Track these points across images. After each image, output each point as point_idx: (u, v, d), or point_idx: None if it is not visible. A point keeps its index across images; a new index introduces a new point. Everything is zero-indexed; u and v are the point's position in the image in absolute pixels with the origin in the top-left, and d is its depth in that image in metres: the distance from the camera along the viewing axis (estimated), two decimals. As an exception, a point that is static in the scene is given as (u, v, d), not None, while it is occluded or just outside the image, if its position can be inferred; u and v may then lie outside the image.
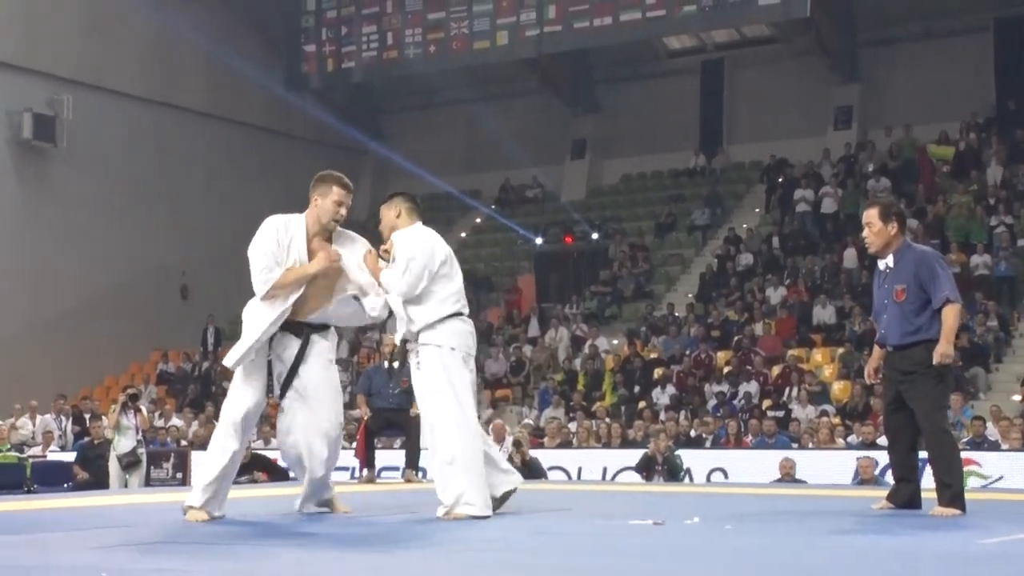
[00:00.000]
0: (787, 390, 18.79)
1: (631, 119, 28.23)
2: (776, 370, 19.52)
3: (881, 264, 6.89)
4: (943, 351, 6.53)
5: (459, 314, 6.49)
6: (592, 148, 29.12)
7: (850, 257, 21.71)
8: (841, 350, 19.55)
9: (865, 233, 6.84)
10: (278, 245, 6.24)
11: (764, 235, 24.21)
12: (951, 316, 6.59)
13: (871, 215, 6.78)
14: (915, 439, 6.82)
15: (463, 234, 29.00)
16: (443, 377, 6.31)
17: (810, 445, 15.82)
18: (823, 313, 20.96)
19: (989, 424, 15.15)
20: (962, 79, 24.38)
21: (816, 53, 25.89)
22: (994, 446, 14.63)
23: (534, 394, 21.19)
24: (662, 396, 19.62)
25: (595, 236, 26.13)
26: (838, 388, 18.85)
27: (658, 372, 20.37)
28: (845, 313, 20.62)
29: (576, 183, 28.83)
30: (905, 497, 6.86)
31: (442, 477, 6.26)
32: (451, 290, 6.48)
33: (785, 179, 25.22)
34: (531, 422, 18.84)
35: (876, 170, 23.89)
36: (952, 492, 6.55)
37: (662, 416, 18.28)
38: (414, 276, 6.36)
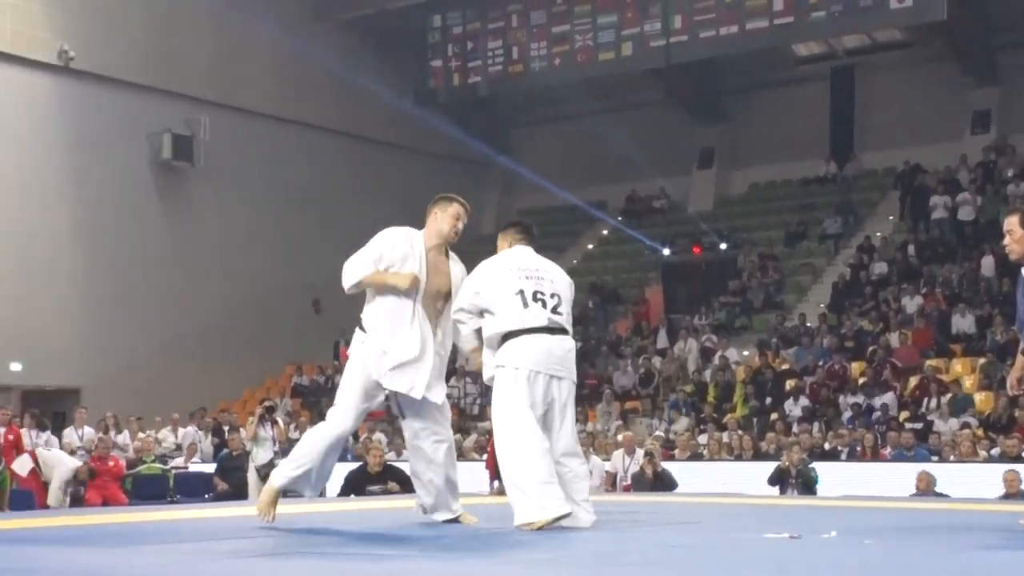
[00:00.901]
0: (925, 401, 18.31)
1: (759, 127, 27.89)
2: (913, 381, 19.04)
3: None
4: None
5: (531, 330, 6.25)
6: (719, 158, 28.84)
7: (988, 265, 21.09)
8: (983, 360, 18.98)
9: (1006, 241, 6.58)
10: (392, 249, 6.28)
11: (899, 243, 23.67)
12: None
13: (1012, 222, 6.52)
14: None
15: (590, 246, 28.97)
16: (504, 398, 6.22)
17: (951, 458, 15.38)
18: (962, 322, 20.38)
19: None
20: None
21: (951, 57, 25.25)
22: None
23: (663, 406, 21.02)
24: (794, 408, 19.28)
25: (723, 246, 25.85)
26: (980, 399, 18.30)
27: (790, 383, 20.03)
28: (986, 322, 20.02)
29: (703, 193, 28.58)
30: None
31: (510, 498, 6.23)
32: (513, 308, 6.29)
33: (920, 185, 24.63)
34: (661, 434, 18.68)
35: (1016, 175, 23.18)
36: None
37: (795, 428, 17.96)
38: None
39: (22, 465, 14.69)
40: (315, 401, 24.32)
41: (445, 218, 6.41)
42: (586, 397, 22.02)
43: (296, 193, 26.47)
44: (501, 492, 11.88)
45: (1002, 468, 13.22)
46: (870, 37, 26.80)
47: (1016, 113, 25.05)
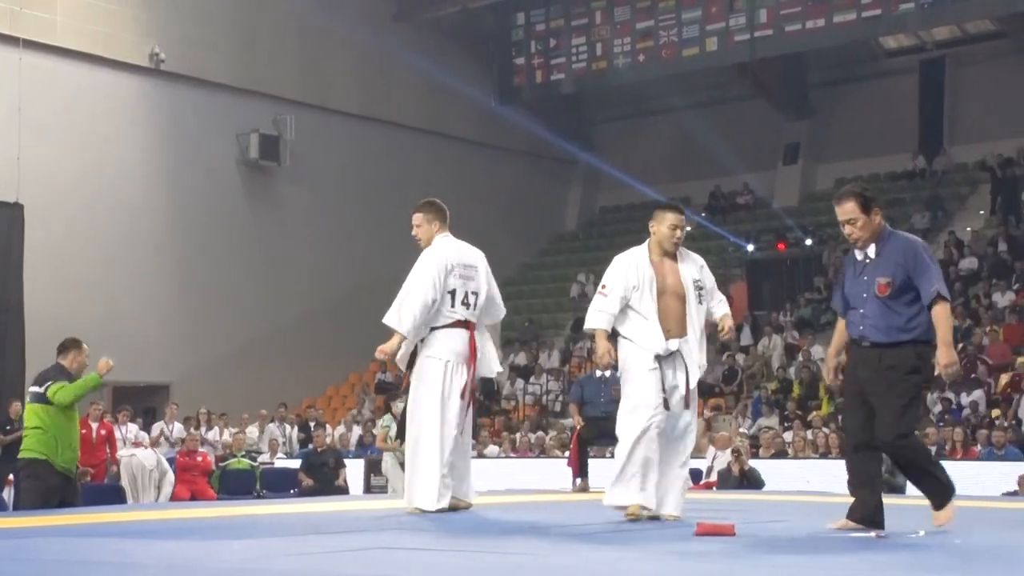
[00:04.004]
0: (1017, 399, 17.92)
1: (846, 122, 27.49)
2: (1004, 378, 18.65)
3: (859, 254, 6.15)
4: (947, 361, 5.83)
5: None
6: (805, 153, 28.47)
7: (1085, 259, 20.60)
8: (1078, 357, 18.53)
9: (847, 230, 6.09)
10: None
11: (989, 238, 23.18)
12: (944, 317, 5.89)
13: (851, 208, 6.04)
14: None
15: (674, 243, 28.80)
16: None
17: (1042, 457, 15.04)
18: (1056, 319, 19.93)
19: None
20: None
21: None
22: None
23: (747, 403, 20.83)
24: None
25: (808, 242, 25.53)
26: (1074, 397, 17.84)
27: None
28: (1081, 318, 19.55)
29: (789, 189, 28.24)
30: (868, 509, 6.11)
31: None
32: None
33: (1011, 178, 24.08)
34: (745, 431, 18.52)
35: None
36: (941, 495, 6.02)
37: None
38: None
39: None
40: (397, 397, 24.49)
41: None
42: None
43: (380, 192, 26.64)
44: (583, 489, 11.90)
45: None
46: (961, 28, 26.26)
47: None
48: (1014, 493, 13.24)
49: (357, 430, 21.04)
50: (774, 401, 20.36)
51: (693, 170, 28.47)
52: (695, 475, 15.15)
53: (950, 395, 18.56)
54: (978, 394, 18.26)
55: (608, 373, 11.70)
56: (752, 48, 25.04)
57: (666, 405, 6.72)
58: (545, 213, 30.15)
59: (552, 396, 22.84)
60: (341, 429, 20.81)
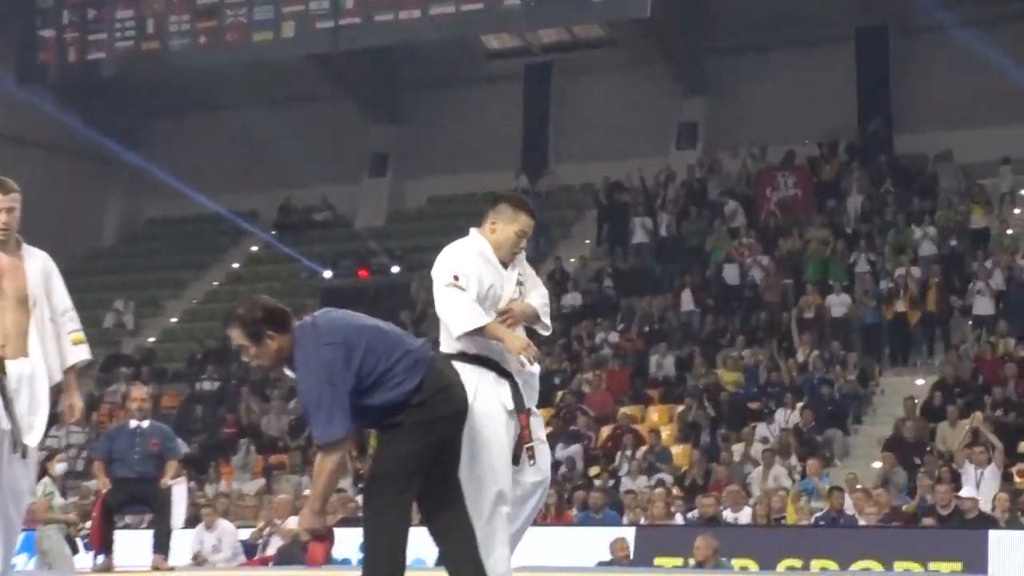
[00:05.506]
0: (617, 455, 18.97)
1: (442, 131, 28.22)
2: (605, 431, 19.71)
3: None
4: (307, 523, 5.93)
5: None
6: (394, 164, 29.05)
7: (689, 299, 22.21)
8: (681, 407, 19.87)
9: (246, 357, 5.81)
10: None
11: (595, 270, 24.51)
12: (322, 472, 5.62)
13: (235, 337, 5.74)
14: None
15: (235, 265, 28.56)
16: None
17: (643, 521, 15.93)
18: (662, 364, 21.32)
19: (846, 495, 15.57)
20: (822, 93, 25.24)
21: (658, 60, 26.43)
22: (851, 521, 15.06)
23: (313, 459, 20.95)
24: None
25: (395, 269, 26.03)
26: (677, 453, 19.13)
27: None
28: (685, 364, 21.01)
29: (374, 206, 28.72)
30: None
31: None
32: None
33: (619, 205, 25.56)
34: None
35: (723, 194, 24.47)
36: None
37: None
38: None
39: None
40: None
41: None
42: (218, 448, 21.65)
43: None
44: (107, 569, 11.43)
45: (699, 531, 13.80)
46: (570, 32, 27.69)
47: (725, 126, 26.45)
48: (609, 562, 13.93)
49: None
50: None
51: (262, 179, 28.39)
52: (247, 549, 15.07)
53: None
54: (576, 449, 19.12)
55: (145, 423, 11.46)
56: (336, 38, 25.30)
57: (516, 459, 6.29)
58: (76, 223, 29.07)
59: (74, 452, 21.96)
60: None
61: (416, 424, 5.59)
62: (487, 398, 6.08)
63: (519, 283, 6.41)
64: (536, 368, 6.34)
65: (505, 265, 6.34)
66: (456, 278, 6.13)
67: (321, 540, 13.26)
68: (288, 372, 5.75)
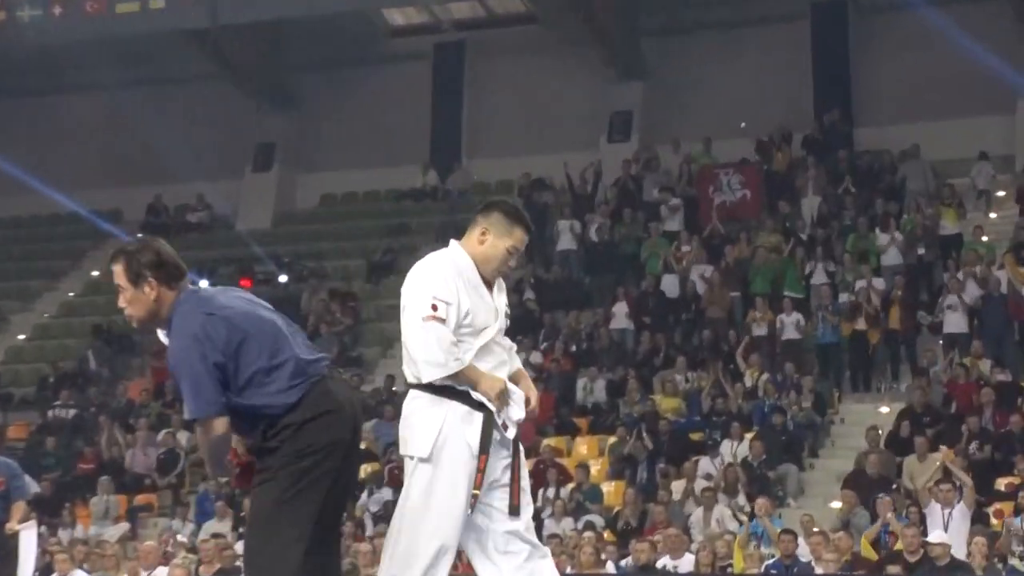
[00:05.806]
0: (539, 493, 18.87)
1: (338, 119, 28.18)
2: (527, 466, 19.58)
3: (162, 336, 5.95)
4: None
5: None
6: (283, 157, 28.93)
7: (622, 314, 22.16)
8: (613, 439, 19.83)
9: (121, 302, 5.81)
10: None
11: (513, 281, 24.42)
12: (204, 443, 5.87)
13: (117, 273, 5.77)
14: None
15: (95, 272, 28.12)
16: None
17: (569, 570, 15.89)
18: (591, 389, 21.26)
19: (800, 539, 15.56)
20: (774, 79, 25.40)
21: (587, 40, 26.42)
22: (806, 569, 15.03)
23: (191, 500, 20.76)
24: (369, 502, 19.49)
25: (283, 278, 25.86)
26: (608, 491, 19.07)
27: (367, 470, 20.09)
28: (618, 389, 20.97)
29: (259, 205, 28.57)
30: None
31: None
32: None
33: (542, 206, 25.50)
34: (184, 540, 18.43)
35: (664, 191, 24.49)
36: None
37: (370, 531, 18.10)
38: None
39: None
40: None
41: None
42: (74, 487, 21.36)
43: None
44: None
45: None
46: (485, 7, 27.71)
47: (663, 116, 26.53)
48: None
49: None
50: (229, 496, 20.27)
51: (128, 173, 28.16)
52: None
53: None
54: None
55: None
56: (214, 11, 25.29)
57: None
58: None
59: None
60: None
61: (291, 457, 5.60)
62: (452, 439, 6.02)
63: (506, 314, 6.44)
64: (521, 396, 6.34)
65: (488, 284, 6.28)
66: (435, 308, 6.04)
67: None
68: (161, 336, 5.76)
